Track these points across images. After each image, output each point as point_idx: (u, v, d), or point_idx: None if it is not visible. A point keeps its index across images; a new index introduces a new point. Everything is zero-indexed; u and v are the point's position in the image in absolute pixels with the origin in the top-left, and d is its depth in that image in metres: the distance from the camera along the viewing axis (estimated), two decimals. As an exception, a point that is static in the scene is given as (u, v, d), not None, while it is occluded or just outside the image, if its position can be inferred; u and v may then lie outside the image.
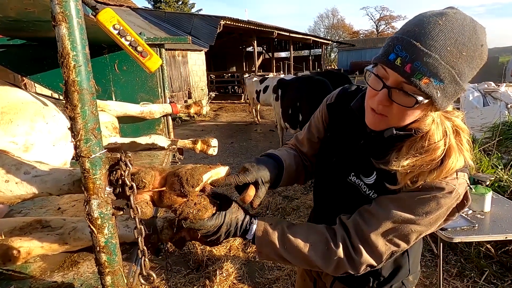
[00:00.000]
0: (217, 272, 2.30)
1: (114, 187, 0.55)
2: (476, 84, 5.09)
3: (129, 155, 0.55)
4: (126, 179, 0.54)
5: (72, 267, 0.75)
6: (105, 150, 0.52)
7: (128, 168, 0.54)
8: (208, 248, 2.51)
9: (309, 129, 1.01)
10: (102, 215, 0.53)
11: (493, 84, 4.98)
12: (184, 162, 1.86)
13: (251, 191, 0.74)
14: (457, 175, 0.67)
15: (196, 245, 2.57)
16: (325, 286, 0.99)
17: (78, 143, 0.49)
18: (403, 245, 0.71)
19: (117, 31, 1.10)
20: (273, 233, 0.73)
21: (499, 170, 2.72)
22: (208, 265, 2.42)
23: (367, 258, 0.70)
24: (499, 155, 3.05)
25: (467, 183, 0.69)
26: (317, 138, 0.99)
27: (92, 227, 0.54)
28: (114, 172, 0.55)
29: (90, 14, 1.07)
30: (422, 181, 0.66)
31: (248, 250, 2.55)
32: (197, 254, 2.53)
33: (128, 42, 1.14)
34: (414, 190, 0.68)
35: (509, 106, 4.34)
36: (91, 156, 0.50)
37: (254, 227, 0.74)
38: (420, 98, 0.62)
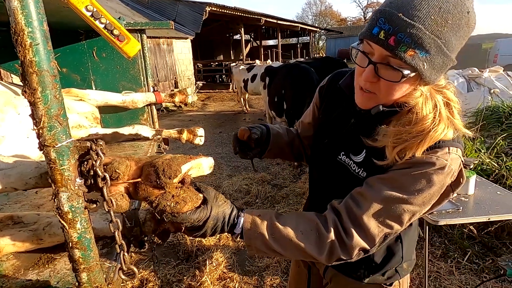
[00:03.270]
0: (207, 262, 2.29)
1: (85, 179, 0.51)
2: (460, 70, 5.16)
3: (101, 143, 0.51)
4: (97, 169, 0.50)
5: (48, 264, 0.71)
6: (73, 139, 0.48)
7: (99, 157, 0.50)
8: (197, 238, 2.50)
9: (305, 112, 1.06)
10: (73, 209, 0.49)
11: (477, 70, 5.06)
12: (171, 152, 1.81)
13: (242, 128, 0.94)
14: (449, 150, 0.64)
15: (185, 235, 2.55)
16: (319, 272, 0.99)
17: (40, 131, 0.45)
18: (397, 227, 0.68)
19: (90, 13, 1.03)
20: (261, 224, 0.70)
21: (482, 154, 2.79)
22: (198, 255, 2.41)
23: (359, 241, 0.67)
24: (482, 139, 3.12)
25: (461, 160, 0.66)
26: (308, 120, 1.02)
27: (62, 222, 0.50)
28: (85, 162, 0.51)
29: (60, -6, 0.99)
30: (410, 154, 0.64)
31: (238, 239, 2.55)
32: (187, 244, 2.52)
33: (103, 25, 1.07)
34: (404, 167, 0.66)
35: (491, 91, 4.44)
36: (56, 145, 0.46)
37: (242, 220, 0.70)
38: (406, 72, 0.61)
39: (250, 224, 0.70)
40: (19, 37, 0.41)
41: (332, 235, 0.68)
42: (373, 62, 0.64)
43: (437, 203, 0.68)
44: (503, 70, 4.96)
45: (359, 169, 0.76)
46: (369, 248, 0.69)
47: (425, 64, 0.60)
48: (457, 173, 0.66)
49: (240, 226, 0.69)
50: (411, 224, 0.87)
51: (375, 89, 0.67)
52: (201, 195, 0.64)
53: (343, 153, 0.81)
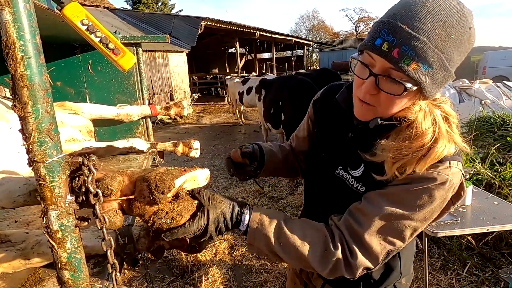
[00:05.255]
0: (203, 278, 2.23)
1: (76, 195, 0.49)
2: (451, 82, 5.27)
3: (93, 158, 0.49)
4: (89, 185, 0.48)
5: (36, 285, 0.67)
6: (64, 154, 0.46)
7: (92, 173, 0.48)
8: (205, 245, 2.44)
9: (299, 125, 1.04)
10: (63, 227, 0.47)
11: (467, 81, 5.17)
12: (166, 166, 1.78)
13: (233, 150, 0.92)
14: (450, 164, 0.63)
15: (180, 251, 2.49)
16: None
17: (30, 147, 0.43)
18: (399, 243, 0.66)
19: (85, 27, 1.03)
20: (269, 225, 0.67)
21: (477, 164, 2.81)
22: (193, 271, 2.34)
23: (363, 260, 0.65)
24: (476, 149, 3.15)
25: (462, 173, 0.65)
26: (303, 135, 1.00)
27: (51, 241, 0.47)
28: (77, 178, 0.49)
29: (55, 8, 1.00)
30: (410, 170, 0.63)
31: (234, 253, 2.49)
32: (182, 260, 2.45)
33: (98, 39, 1.06)
34: (405, 183, 0.65)
35: (482, 102, 4.52)
36: (46, 160, 0.44)
37: (247, 217, 0.67)
38: (408, 85, 0.59)
39: (256, 224, 0.67)
40: (11, 51, 0.40)
41: (339, 253, 0.66)
42: (374, 74, 0.62)
43: (438, 217, 0.67)
44: (493, 82, 5.08)
45: (358, 184, 0.74)
46: (372, 267, 0.67)
47: (427, 78, 0.58)
48: (458, 186, 0.65)
49: (246, 224, 0.67)
50: None
51: (374, 102, 0.66)
52: (196, 201, 0.62)
53: (340, 167, 0.79)
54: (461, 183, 0.65)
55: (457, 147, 0.65)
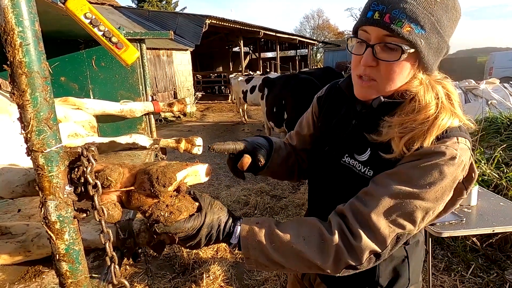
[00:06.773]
0: (204, 275, 2.23)
1: (75, 186, 0.48)
2: (457, 82, 5.22)
3: (93, 149, 0.49)
4: (88, 176, 0.47)
5: (35, 277, 0.67)
6: (62, 144, 0.45)
7: (91, 164, 0.47)
8: (194, 250, 2.44)
9: (300, 123, 1.02)
10: (61, 219, 0.47)
11: (473, 81, 5.12)
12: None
13: (246, 158, 0.80)
14: (457, 139, 0.62)
15: (182, 248, 2.49)
16: None
17: (29, 135, 0.42)
18: (409, 227, 0.62)
19: (88, 20, 1.03)
20: (259, 231, 0.65)
21: (483, 165, 2.77)
22: (195, 268, 2.34)
23: (368, 243, 0.61)
24: (482, 150, 3.11)
25: (471, 152, 0.63)
26: (307, 132, 0.98)
27: (49, 232, 0.47)
28: (76, 169, 0.48)
29: (59, 1, 0.99)
30: (418, 144, 0.62)
31: (236, 251, 2.49)
32: (183, 257, 2.45)
33: (101, 33, 1.06)
34: (412, 160, 0.63)
35: (489, 102, 4.47)
36: (45, 150, 0.43)
37: (239, 229, 0.65)
38: (405, 47, 0.61)
39: (247, 233, 0.65)
40: (9, 37, 0.39)
41: (336, 238, 0.62)
42: (370, 44, 0.65)
43: (451, 203, 0.64)
44: (500, 82, 5.02)
45: (365, 168, 0.72)
46: (380, 250, 0.62)
47: (422, 41, 0.61)
48: (468, 166, 0.63)
49: (237, 235, 0.65)
50: (418, 242, 0.82)
51: (375, 75, 0.67)
52: (197, 203, 0.61)
53: (347, 155, 0.77)
54: (471, 164, 0.63)
55: (461, 122, 0.66)
